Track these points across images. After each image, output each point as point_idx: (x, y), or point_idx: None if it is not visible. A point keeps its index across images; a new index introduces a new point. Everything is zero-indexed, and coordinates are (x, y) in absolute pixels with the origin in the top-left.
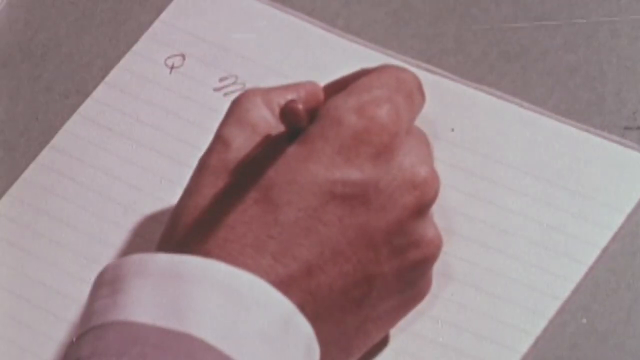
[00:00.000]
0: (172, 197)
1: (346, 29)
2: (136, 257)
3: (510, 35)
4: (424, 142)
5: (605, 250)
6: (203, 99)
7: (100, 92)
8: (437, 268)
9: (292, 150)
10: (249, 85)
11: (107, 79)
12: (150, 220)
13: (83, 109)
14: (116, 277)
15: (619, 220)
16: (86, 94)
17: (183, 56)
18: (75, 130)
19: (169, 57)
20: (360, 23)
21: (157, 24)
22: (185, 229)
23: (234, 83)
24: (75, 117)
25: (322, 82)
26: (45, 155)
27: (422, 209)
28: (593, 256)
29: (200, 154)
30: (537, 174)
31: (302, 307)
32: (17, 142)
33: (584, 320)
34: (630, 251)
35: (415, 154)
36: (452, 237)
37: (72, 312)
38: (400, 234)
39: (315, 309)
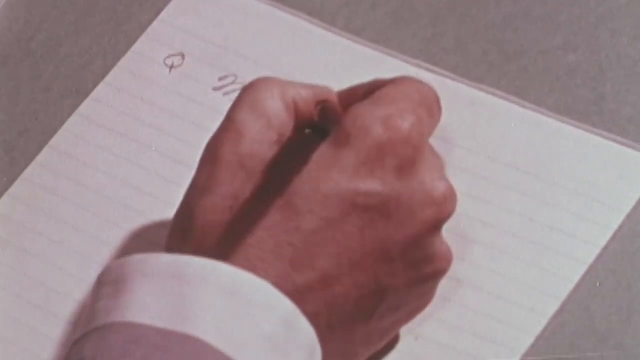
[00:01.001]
0: (172, 197)
1: (346, 28)
2: (139, 257)
3: (510, 35)
4: (437, 157)
5: (605, 250)
6: (203, 98)
7: (100, 92)
8: None
9: (317, 157)
10: None
11: (106, 78)
12: (150, 220)
13: (83, 108)
14: (119, 277)
15: (618, 219)
16: (86, 94)
17: (183, 56)
18: (75, 130)
19: (168, 57)
20: (360, 23)
21: (156, 23)
22: (201, 230)
23: (233, 82)
24: (75, 117)
25: (322, 81)
26: (45, 155)
27: (438, 225)
28: (593, 256)
29: (199, 153)
30: (537, 174)
31: (316, 317)
32: (17, 142)
33: (585, 320)
34: (630, 251)
35: (435, 168)
36: (452, 237)
37: (72, 312)
38: (416, 249)
39: (329, 319)
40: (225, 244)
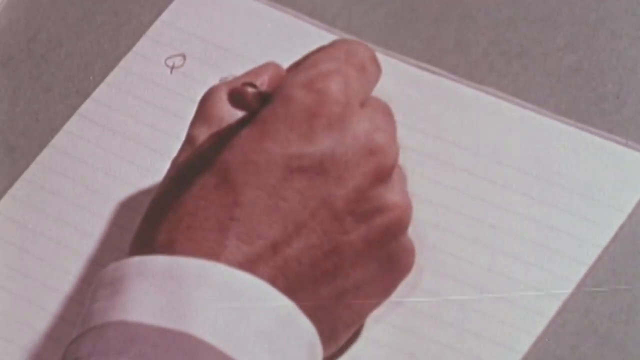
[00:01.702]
0: None
1: (346, 29)
2: (136, 259)
3: (510, 35)
4: (384, 113)
5: (605, 250)
6: None
7: (100, 92)
8: (437, 268)
9: (245, 132)
10: None
11: (107, 79)
12: None
13: (83, 109)
14: (115, 279)
15: (619, 220)
16: (86, 94)
17: (183, 56)
18: (75, 130)
19: (169, 57)
20: (361, 23)
21: (157, 24)
22: (151, 223)
23: None
24: (75, 117)
25: None
26: (45, 155)
27: (381, 175)
28: (593, 256)
29: None
30: (537, 174)
31: (273, 283)
32: (17, 142)
33: (584, 321)
34: (631, 251)
35: (369, 121)
36: (452, 237)
37: (72, 312)
38: (362, 201)
39: (287, 284)
40: (171, 231)
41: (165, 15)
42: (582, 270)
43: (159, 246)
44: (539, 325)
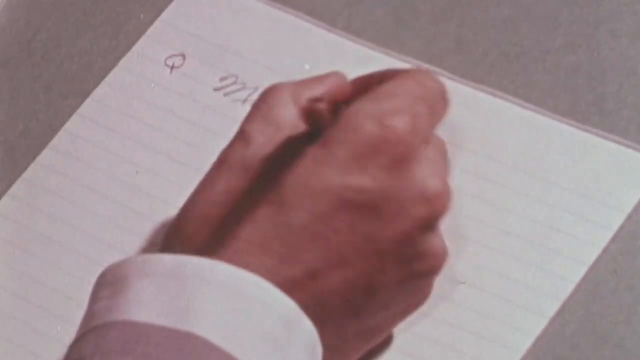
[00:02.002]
0: (172, 197)
1: (347, 28)
2: (139, 258)
3: (510, 35)
4: (442, 153)
5: (605, 250)
6: (203, 98)
7: (100, 92)
8: None
9: (309, 152)
10: (249, 85)
11: (107, 79)
12: (150, 220)
13: (83, 109)
14: (118, 278)
15: (619, 220)
16: (86, 94)
17: (183, 56)
18: (75, 130)
19: (169, 57)
20: (361, 23)
21: (157, 23)
22: (194, 222)
23: (234, 83)
24: (75, 117)
25: None
26: (45, 155)
27: (431, 222)
28: (593, 256)
29: (200, 153)
30: (537, 174)
31: (304, 310)
32: (17, 142)
33: (585, 320)
34: (631, 251)
35: (430, 166)
36: (452, 237)
37: (72, 312)
38: (407, 245)
39: (317, 313)
40: (214, 236)
41: (165, 15)
42: (582, 270)
43: (198, 250)
44: (539, 325)
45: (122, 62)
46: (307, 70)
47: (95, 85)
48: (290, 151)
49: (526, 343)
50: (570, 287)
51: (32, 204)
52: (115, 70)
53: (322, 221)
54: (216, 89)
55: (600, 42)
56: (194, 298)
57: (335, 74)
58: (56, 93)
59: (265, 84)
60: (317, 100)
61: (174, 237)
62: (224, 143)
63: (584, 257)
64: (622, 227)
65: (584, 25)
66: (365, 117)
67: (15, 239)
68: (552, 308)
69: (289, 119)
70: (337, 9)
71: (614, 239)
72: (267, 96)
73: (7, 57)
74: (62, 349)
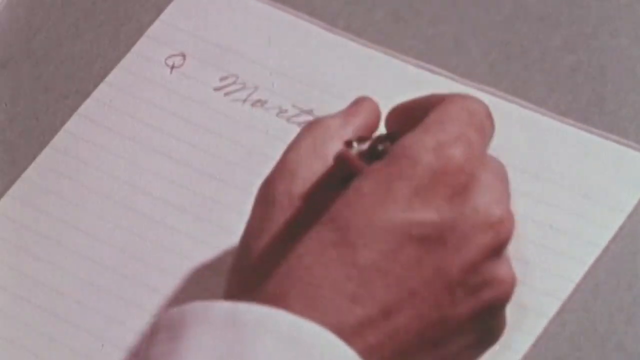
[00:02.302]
0: (172, 197)
1: (347, 28)
2: (198, 304)
3: (510, 35)
4: (500, 176)
5: (605, 250)
6: (203, 98)
7: (100, 92)
8: None
9: (368, 190)
10: (249, 85)
11: (107, 79)
12: (150, 220)
13: (83, 109)
14: (175, 323)
15: (619, 220)
16: (86, 94)
17: (183, 56)
18: (75, 130)
19: (169, 57)
20: (361, 23)
21: (157, 23)
22: (258, 269)
23: (234, 83)
24: (75, 117)
25: (322, 81)
26: (45, 155)
27: (497, 249)
28: (593, 256)
29: (199, 153)
30: (537, 174)
31: (380, 349)
32: (17, 142)
33: (585, 320)
34: (631, 251)
35: (490, 192)
36: None
37: (72, 312)
38: (475, 274)
39: (391, 351)
40: (283, 283)
41: (165, 15)
42: (582, 270)
43: (268, 298)
44: (539, 325)
45: (122, 62)
46: (307, 71)
47: (96, 85)
48: (343, 187)
49: (526, 343)
50: (570, 287)
51: (32, 204)
52: (116, 70)
53: (390, 258)
54: (216, 89)
55: (600, 42)
56: (251, 347)
57: (364, 99)
58: (56, 93)
59: (265, 84)
60: (348, 142)
61: (237, 285)
62: (224, 143)
63: (584, 257)
64: (622, 227)
65: (584, 25)
66: (423, 150)
67: (15, 238)
68: (552, 308)
69: (332, 155)
70: (337, 9)
71: (614, 239)
72: (314, 130)
73: (7, 57)
74: (62, 349)
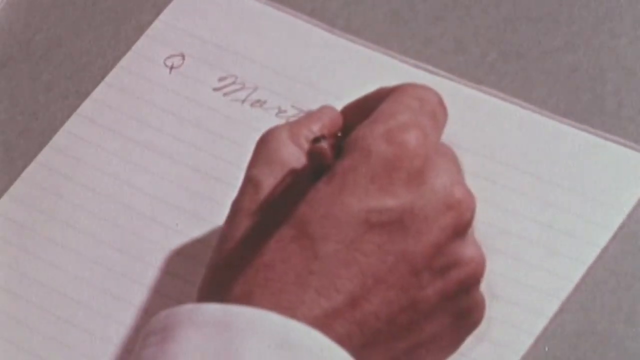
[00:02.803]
0: (171, 197)
1: (346, 29)
2: (188, 306)
3: (510, 35)
4: (453, 159)
5: (605, 250)
6: (203, 98)
7: (100, 92)
8: None
9: (324, 185)
10: (248, 85)
11: (106, 79)
12: (150, 219)
13: (83, 109)
14: (167, 326)
15: (618, 220)
16: (86, 94)
17: (183, 56)
18: (75, 130)
19: (168, 57)
20: (360, 23)
21: (156, 24)
22: (225, 272)
23: (233, 83)
24: (74, 117)
25: (321, 82)
26: (45, 155)
27: (459, 230)
28: (593, 256)
29: (199, 153)
30: (537, 174)
31: (350, 338)
32: (17, 142)
33: (585, 320)
34: (630, 251)
35: (447, 174)
36: None
37: (72, 312)
38: (439, 256)
39: (363, 339)
40: (248, 282)
41: (164, 15)
42: (582, 270)
43: (235, 297)
44: (539, 325)
45: (121, 62)
46: (307, 70)
47: (95, 85)
48: (301, 187)
49: (526, 343)
50: (570, 287)
51: (32, 204)
52: (115, 70)
53: (351, 247)
54: (215, 89)
55: (600, 42)
56: (242, 349)
57: (326, 107)
58: (55, 93)
59: (265, 84)
60: (318, 139)
61: (208, 290)
62: (223, 143)
63: (583, 257)
64: (621, 227)
65: (584, 25)
66: (374, 139)
67: (15, 238)
68: (552, 308)
69: (293, 158)
70: (337, 9)
71: (613, 239)
72: (267, 139)
73: (7, 57)
74: (62, 349)
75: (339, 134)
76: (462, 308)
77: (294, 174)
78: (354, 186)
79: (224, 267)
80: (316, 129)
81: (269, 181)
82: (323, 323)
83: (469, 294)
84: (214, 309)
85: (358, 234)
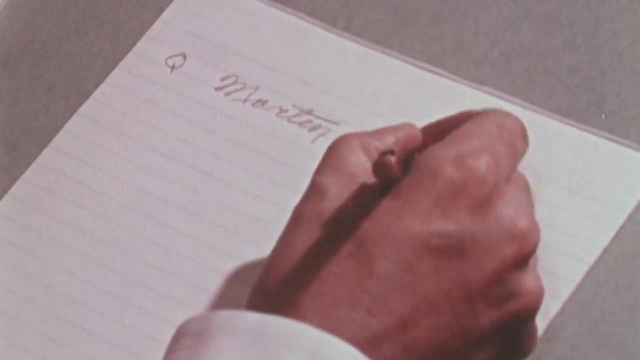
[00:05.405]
0: (172, 197)
1: (346, 29)
2: (224, 313)
3: (510, 35)
4: (524, 189)
5: (605, 250)
6: (204, 98)
7: (101, 92)
8: None
9: (388, 202)
10: (250, 85)
11: (108, 79)
12: (150, 219)
13: (84, 109)
14: (201, 331)
15: (619, 220)
16: (87, 94)
17: (184, 56)
18: (75, 130)
19: (169, 57)
20: (361, 23)
21: (157, 24)
22: (278, 280)
23: (234, 83)
24: (75, 117)
25: (322, 81)
26: (45, 155)
27: (520, 261)
28: (593, 256)
29: (200, 153)
30: (537, 174)
31: None
32: (17, 142)
33: (585, 320)
34: (631, 251)
35: (514, 204)
36: None
37: (72, 312)
38: (497, 286)
39: None
40: (299, 293)
41: (165, 15)
42: (583, 270)
43: (284, 304)
44: (539, 325)
45: (122, 63)
46: (307, 71)
47: (96, 85)
48: (366, 200)
49: None
50: (570, 287)
51: (33, 204)
52: (116, 71)
53: (408, 269)
54: (217, 89)
55: (600, 42)
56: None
57: (407, 124)
58: (56, 93)
59: (266, 84)
60: (386, 152)
61: (259, 297)
62: (224, 143)
63: (584, 257)
64: (622, 227)
65: (584, 25)
66: (444, 161)
67: (15, 239)
68: (553, 308)
69: (361, 168)
70: (337, 9)
71: (614, 239)
72: (337, 146)
73: (7, 57)
74: (62, 349)
75: (415, 153)
76: (513, 339)
77: (362, 185)
78: (417, 207)
79: (277, 276)
80: (389, 141)
81: (334, 190)
82: (371, 344)
83: (523, 325)
84: (251, 318)
85: (416, 256)
